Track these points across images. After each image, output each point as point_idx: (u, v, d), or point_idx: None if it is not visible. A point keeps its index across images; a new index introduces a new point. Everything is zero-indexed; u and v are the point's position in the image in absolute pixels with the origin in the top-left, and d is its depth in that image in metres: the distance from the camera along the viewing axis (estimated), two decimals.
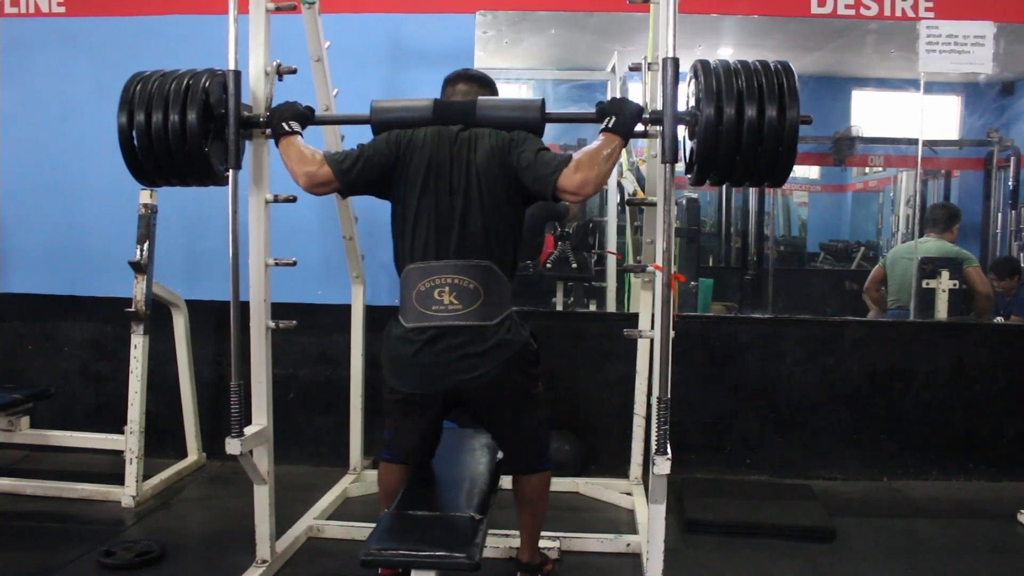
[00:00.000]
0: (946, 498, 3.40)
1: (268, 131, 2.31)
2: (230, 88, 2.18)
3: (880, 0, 3.54)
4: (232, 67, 2.19)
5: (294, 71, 2.42)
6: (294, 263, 2.44)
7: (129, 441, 3.13)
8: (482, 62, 3.68)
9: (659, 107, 2.07)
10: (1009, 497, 3.31)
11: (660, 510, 2.15)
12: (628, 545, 2.76)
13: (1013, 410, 3.54)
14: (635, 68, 2.48)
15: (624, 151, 4.28)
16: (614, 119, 2.06)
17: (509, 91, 5.09)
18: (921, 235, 4.27)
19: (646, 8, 2.65)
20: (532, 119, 2.17)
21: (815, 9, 3.55)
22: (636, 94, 4.22)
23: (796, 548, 2.82)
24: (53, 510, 3.08)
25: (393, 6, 3.61)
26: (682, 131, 2.14)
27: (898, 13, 3.55)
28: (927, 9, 3.53)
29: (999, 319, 4.05)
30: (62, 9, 3.72)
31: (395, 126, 2.19)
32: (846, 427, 3.57)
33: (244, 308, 2.32)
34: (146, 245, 3.09)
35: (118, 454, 3.21)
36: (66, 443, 3.40)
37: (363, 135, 2.26)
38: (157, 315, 3.27)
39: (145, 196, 3.10)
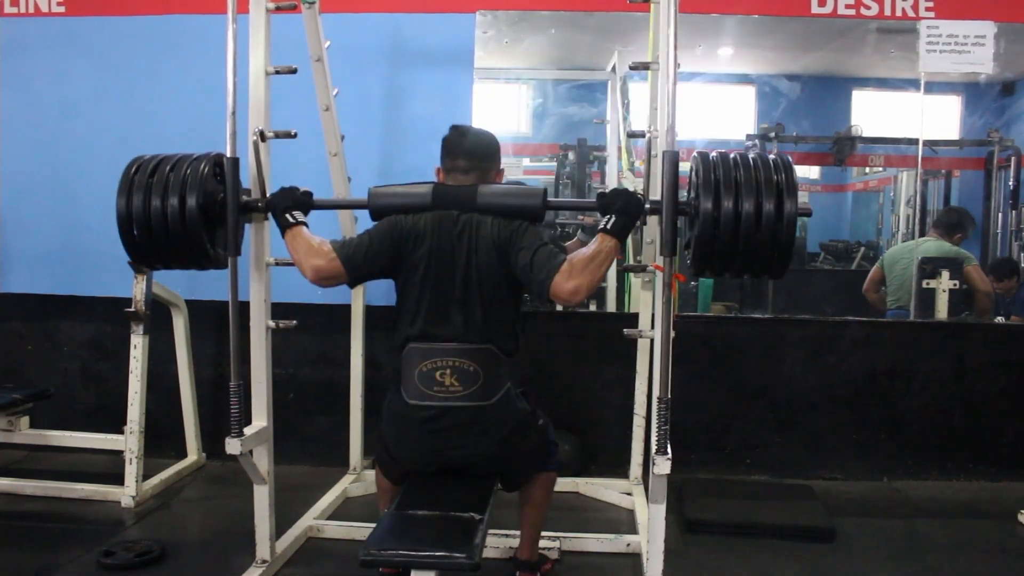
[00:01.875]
0: (946, 498, 3.39)
1: (269, 217, 2.32)
2: (228, 176, 2.17)
3: (880, 0, 3.54)
4: (231, 154, 2.18)
5: (294, 71, 2.42)
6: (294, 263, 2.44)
7: (129, 441, 3.13)
8: (482, 62, 3.68)
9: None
10: (1009, 497, 3.30)
11: (660, 510, 2.15)
12: (628, 545, 2.76)
13: (1013, 410, 3.54)
14: (635, 67, 2.48)
15: (624, 150, 4.30)
16: (612, 220, 2.05)
17: (509, 91, 5.12)
18: (923, 235, 4.27)
19: (646, 8, 2.64)
20: (533, 207, 2.18)
21: (815, 9, 3.55)
22: (637, 94, 4.23)
23: (796, 548, 2.82)
24: (53, 510, 3.08)
25: (393, 6, 3.61)
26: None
27: (898, 13, 3.55)
28: (927, 9, 3.53)
29: (999, 319, 4.05)
30: (62, 9, 3.71)
31: (394, 212, 2.20)
32: (846, 427, 3.57)
33: (244, 308, 2.32)
34: None
35: (118, 454, 3.21)
36: (66, 443, 3.40)
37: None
38: (157, 315, 3.26)
39: None
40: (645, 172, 2.43)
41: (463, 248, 2.13)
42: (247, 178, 2.31)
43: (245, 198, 2.27)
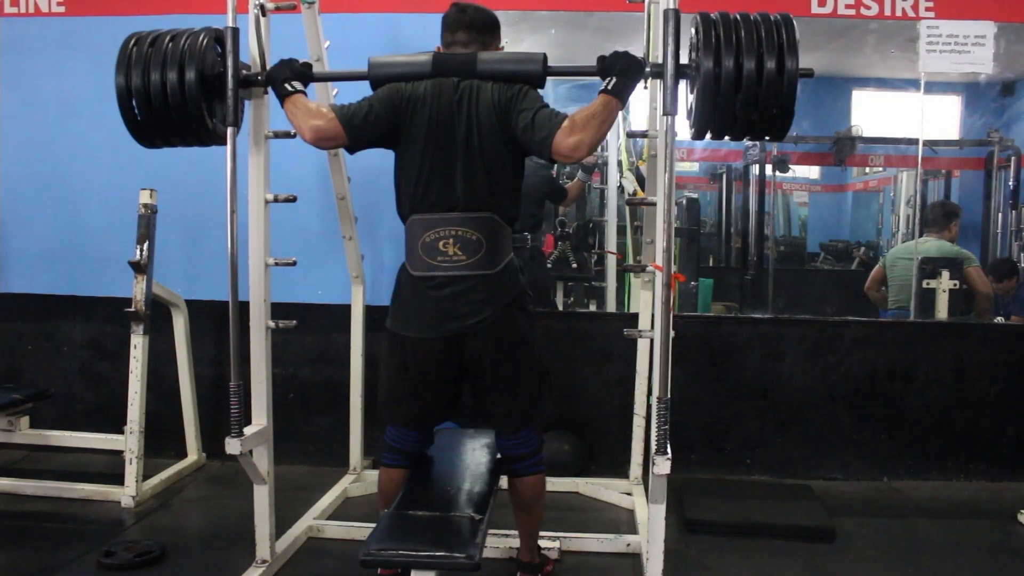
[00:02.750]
0: (946, 498, 3.39)
1: (269, 92, 2.30)
2: (228, 47, 2.17)
3: (880, 0, 3.54)
4: (230, 23, 2.17)
5: None
6: (294, 263, 2.44)
7: (129, 441, 3.13)
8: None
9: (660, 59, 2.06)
10: (1009, 497, 3.30)
11: (660, 510, 2.15)
12: (628, 545, 2.76)
13: (1013, 410, 3.54)
14: None
15: (624, 152, 4.30)
16: (614, 80, 2.04)
17: None
18: (921, 235, 4.27)
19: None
20: (533, 72, 2.16)
21: (815, 9, 3.55)
22: (637, 94, 4.23)
23: (796, 548, 2.82)
24: (53, 510, 3.08)
25: (393, 6, 3.61)
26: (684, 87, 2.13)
27: (898, 13, 3.55)
28: (927, 9, 3.53)
29: (999, 319, 4.05)
30: (62, 9, 3.71)
31: (394, 80, 2.19)
32: (846, 427, 3.57)
33: (244, 308, 2.32)
34: (146, 245, 3.09)
35: (118, 454, 3.21)
36: (66, 443, 3.40)
37: (359, 92, 2.24)
38: (157, 315, 3.27)
39: (145, 196, 3.10)
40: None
41: (463, 114, 2.11)
42: (246, 55, 2.30)
43: (245, 72, 2.26)
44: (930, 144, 4.66)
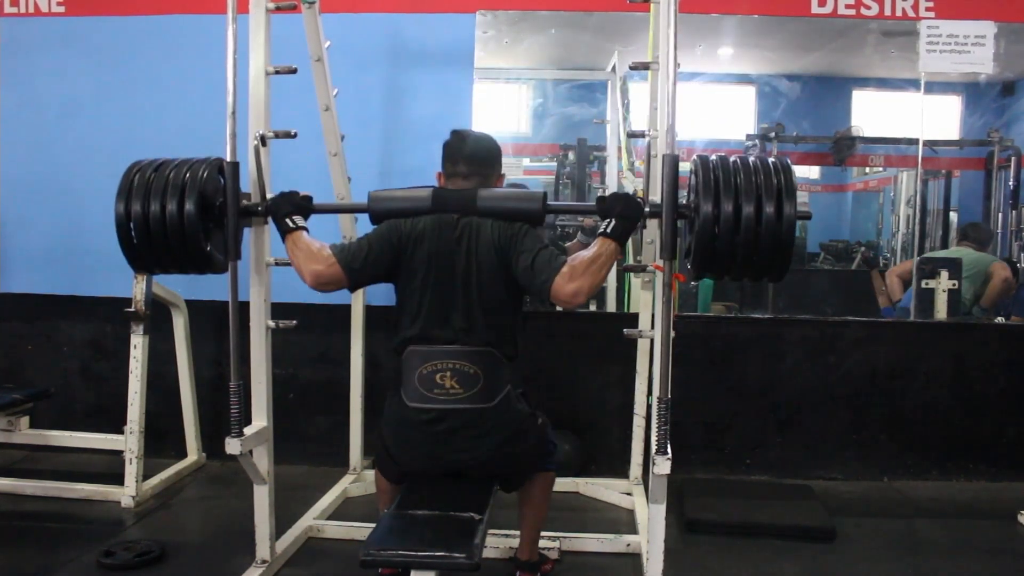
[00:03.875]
0: (946, 498, 3.39)
1: (269, 221, 2.32)
2: (228, 180, 2.17)
3: (880, 0, 3.54)
4: (230, 158, 2.18)
5: (294, 71, 2.42)
6: None
7: (129, 441, 3.13)
8: (482, 62, 3.68)
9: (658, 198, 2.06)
10: (1009, 497, 3.30)
11: (660, 510, 2.15)
12: (628, 545, 2.76)
13: (1013, 410, 3.54)
14: (635, 67, 2.48)
15: (624, 150, 4.30)
16: (613, 224, 2.05)
17: (509, 91, 5.12)
18: (923, 237, 4.27)
19: (646, 8, 2.64)
20: (533, 211, 2.18)
21: (815, 9, 3.55)
22: (637, 94, 4.23)
23: (796, 548, 2.82)
24: (53, 510, 3.08)
25: (393, 6, 3.61)
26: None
27: (898, 13, 3.55)
28: (927, 9, 3.53)
29: (999, 319, 4.05)
30: (62, 9, 3.71)
31: (394, 216, 2.20)
32: (846, 427, 3.57)
33: (244, 308, 2.32)
34: None
35: (118, 454, 3.21)
36: (66, 443, 3.40)
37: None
38: (157, 315, 3.27)
39: None
40: (645, 172, 2.43)
41: (463, 251, 2.12)
42: (246, 181, 2.31)
43: (245, 202, 2.26)
44: (930, 144, 4.66)
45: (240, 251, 2.23)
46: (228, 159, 2.17)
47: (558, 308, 4.02)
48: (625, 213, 2.07)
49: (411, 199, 2.20)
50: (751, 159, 2.01)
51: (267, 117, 2.39)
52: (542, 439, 2.32)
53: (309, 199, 2.27)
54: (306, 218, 2.24)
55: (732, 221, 1.93)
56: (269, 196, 2.30)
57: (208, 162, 2.20)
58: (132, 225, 2.12)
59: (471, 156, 2.26)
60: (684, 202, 2.05)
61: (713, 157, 2.04)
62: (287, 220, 2.20)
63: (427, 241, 2.14)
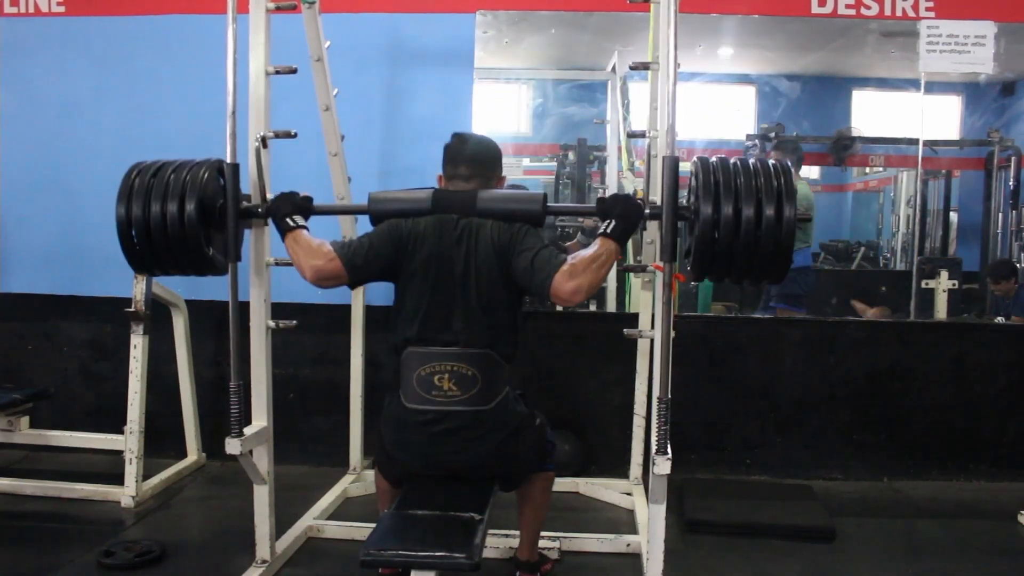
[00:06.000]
0: (946, 498, 3.39)
1: (269, 223, 2.32)
2: (228, 182, 2.17)
3: (880, 0, 3.54)
4: (230, 160, 2.17)
5: (294, 71, 2.42)
6: None
7: (129, 441, 3.13)
8: (482, 62, 3.68)
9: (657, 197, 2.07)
10: (1009, 497, 3.30)
11: (660, 510, 2.15)
12: (628, 545, 2.76)
13: (1013, 410, 3.54)
14: (635, 67, 2.48)
15: (624, 150, 4.30)
16: (613, 224, 2.06)
17: (509, 91, 5.12)
18: (924, 237, 4.26)
19: (646, 8, 2.64)
20: (533, 212, 2.18)
21: (815, 9, 3.55)
22: (637, 94, 4.23)
23: (796, 548, 2.82)
24: (53, 510, 3.08)
25: (393, 6, 3.61)
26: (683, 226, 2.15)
27: (898, 13, 3.55)
28: (927, 9, 3.53)
29: (999, 319, 4.05)
30: (62, 9, 3.71)
31: (394, 216, 2.20)
32: (846, 427, 3.57)
33: (244, 308, 2.32)
34: None
35: (118, 454, 3.21)
36: (66, 443, 3.40)
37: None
38: (157, 315, 3.26)
39: None
40: (645, 173, 2.44)
41: (462, 252, 2.12)
42: (246, 182, 2.31)
43: (245, 204, 2.26)
44: (930, 144, 4.66)
45: (240, 253, 2.23)
46: (228, 160, 2.17)
47: (558, 308, 4.02)
48: (625, 214, 2.07)
49: (411, 200, 2.20)
50: (751, 161, 2.02)
51: (267, 118, 2.39)
52: (540, 438, 2.32)
53: (309, 200, 2.28)
54: (306, 218, 2.24)
55: (732, 224, 1.93)
56: (269, 197, 2.31)
57: (208, 164, 2.20)
58: (133, 227, 2.12)
59: (472, 158, 2.26)
60: (684, 203, 2.05)
61: (713, 159, 2.04)
62: (287, 220, 2.20)
63: (427, 242, 2.14)
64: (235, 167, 2.17)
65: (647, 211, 2.11)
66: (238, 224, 2.20)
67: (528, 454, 2.27)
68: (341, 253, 2.14)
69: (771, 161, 2.02)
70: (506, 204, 2.18)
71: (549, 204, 2.22)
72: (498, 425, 2.16)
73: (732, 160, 2.02)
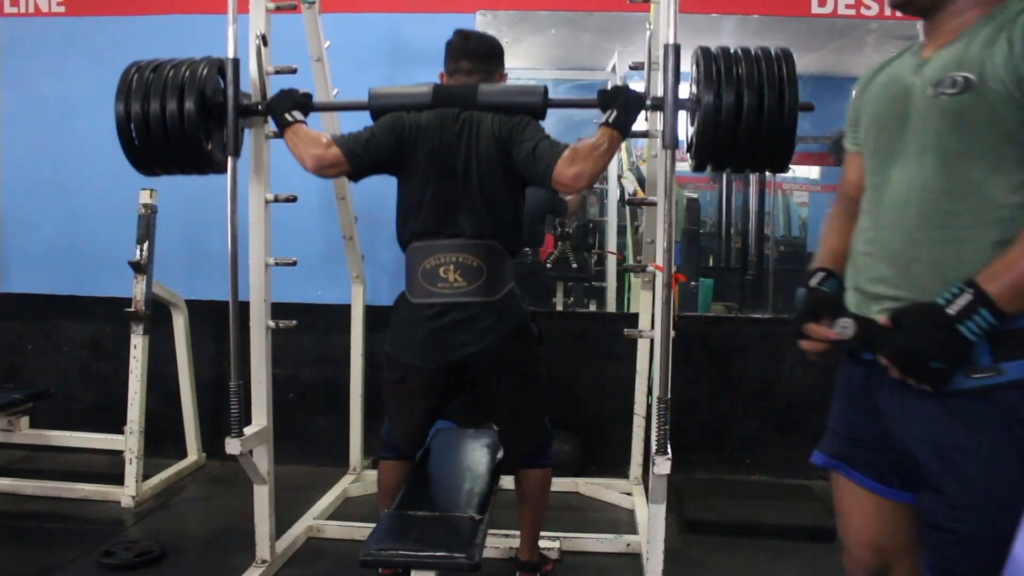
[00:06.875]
0: None
1: (269, 121, 2.32)
2: (229, 77, 2.18)
3: (880, 0, 3.54)
4: (231, 55, 2.18)
5: (294, 71, 2.42)
6: (294, 263, 2.44)
7: (129, 441, 3.13)
8: None
9: (660, 94, 2.07)
10: None
11: (660, 510, 2.15)
12: (628, 545, 2.76)
13: None
14: (636, 67, 2.48)
15: (624, 150, 4.30)
16: (615, 114, 2.06)
17: None
18: None
19: (646, 8, 2.65)
20: (534, 104, 2.18)
21: (815, 9, 3.55)
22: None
23: (796, 548, 2.82)
24: (53, 510, 3.09)
25: (393, 6, 3.61)
26: (684, 117, 2.13)
27: (899, 13, 3.54)
28: None
29: None
30: (62, 9, 3.71)
31: (395, 111, 2.20)
32: None
33: (244, 308, 2.32)
34: (146, 245, 3.10)
35: (118, 454, 3.21)
36: (66, 443, 3.41)
37: (361, 122, 2.26)
38: (157, 315, 3.27)
39: (145, 196, 3.10)
40: (646, 69, 2.43)
41: (463, 145, 2.12)
42: (246, 82, 2.31)
43: (245, 101, 2.27)
44: None
45: (240, 148, 2.23)
46: (229, 56, 2.17)
47: (558, 307, 4.02)
48: (626, 104, 2.07)
49: (412, 95, 2.20)
50: (752, 48, 2.00)
51: (268, 18, 2.39)
52: (543, 396, 2.31)
53: (308, 96, 2.29)
54: (306, 115, 2.24)
55: (734, 111, 1.92)
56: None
57: (208, 61, 2.20)
58: (132, 125, 2.12)
59: (475, 52, 2.27)
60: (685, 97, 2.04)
61: (714, 48, 2.03)
62: (286, 115, 2.20)
63: (428, 135, 2.14)
64: (236, 61, 2.18)
65: (648, 102, 2.11)
66: (238, 120, 2.20)
67: (527, 363, 2.24)
68: (341, 142, 2.16)
69: (772, 48, 2.01)
70: (507, 96, 2.18)
71: (550, 97, 2.20)
72: (504, 318, 2.14)
73: (733, 48, 2.01)
